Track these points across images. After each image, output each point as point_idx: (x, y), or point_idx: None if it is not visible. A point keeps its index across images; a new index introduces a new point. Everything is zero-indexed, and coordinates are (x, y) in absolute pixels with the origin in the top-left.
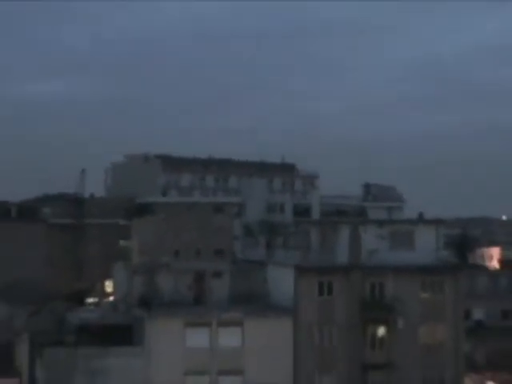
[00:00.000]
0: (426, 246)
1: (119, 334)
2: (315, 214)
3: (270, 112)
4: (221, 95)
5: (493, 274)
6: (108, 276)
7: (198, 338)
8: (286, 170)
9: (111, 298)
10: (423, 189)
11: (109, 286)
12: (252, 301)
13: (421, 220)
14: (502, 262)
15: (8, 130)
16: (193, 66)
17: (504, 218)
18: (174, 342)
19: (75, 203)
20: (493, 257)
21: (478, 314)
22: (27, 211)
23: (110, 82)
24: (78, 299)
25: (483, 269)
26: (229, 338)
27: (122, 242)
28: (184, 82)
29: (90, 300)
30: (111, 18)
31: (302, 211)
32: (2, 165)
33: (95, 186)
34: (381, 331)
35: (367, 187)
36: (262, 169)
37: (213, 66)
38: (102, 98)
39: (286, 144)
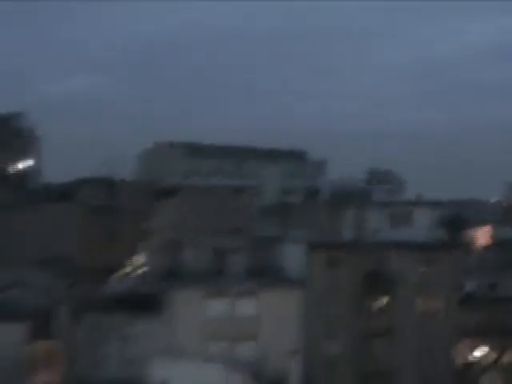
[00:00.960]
0: (423, 225)
1: (147, 303)
2: (324, 196)
3: (278, 110)
4: (230, 93)
5: (482, 251)
6: (137, 251)
7: (217, 307)
8: (298, 156)
9: (140, 271)
10: (424, 176)
11: (138, 260)
12: (266, 274)
13: (419, 202)
14: (490, 240)
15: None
16: (200, 66)
17: (492, 200)
18: (196, 310)
19: (108, 186)
20: (482, 235)
21: (469, 286)
22: (66, 193)
23: (124, 81)
24: (111, 272)
25: (474, 246)
26: (245, 307)
27: (149, 221)
28: (192, 80)
29: (121, 273)
30: (124, 19)
31: (312, 193)
32: None
33: (126, 171)
34: (382, 301)
35: (371, 172)
36: (276, 155)
37: (217, 67)
38: (119, 96)
39: (297, 136)
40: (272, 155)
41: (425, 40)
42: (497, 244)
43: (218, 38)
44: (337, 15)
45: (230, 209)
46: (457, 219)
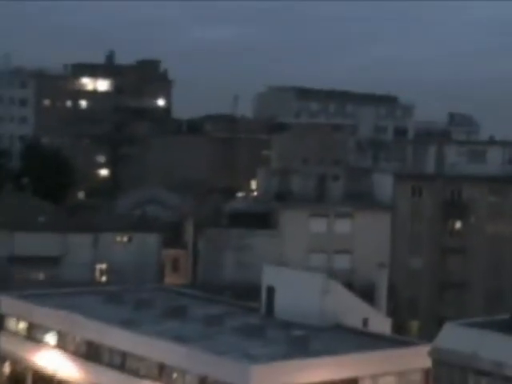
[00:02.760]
0: (495, 161)
1: (260, 220)
2: (410, 135)
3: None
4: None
5: None
6: (253, 177)
7: (319, 225)
8: (390, 100)
9: (255, 193)
10: (497, 119)
11: (253, 184)
12: (361, 199)
13: (492, 141)
14: None
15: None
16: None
17: None
18: (301, 227)
19: (230, 122)
20: None
21: None
22: (194, 127)
23: (259, 29)
24: (231, 193)
25: None
26: (342, 226)
27: (264, 152)
28: (311, 34)
29: (240, 194)
30: None
31: (400, 132)
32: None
33: (244, 109)
34: (457, 225)
35: (452, 116)
36: (371, 99)
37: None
38: (252, 42)
39: (388, 82)
40: (367, 99)
41: None
42: None
43: None
44: None
45: (332, 143)
46: None
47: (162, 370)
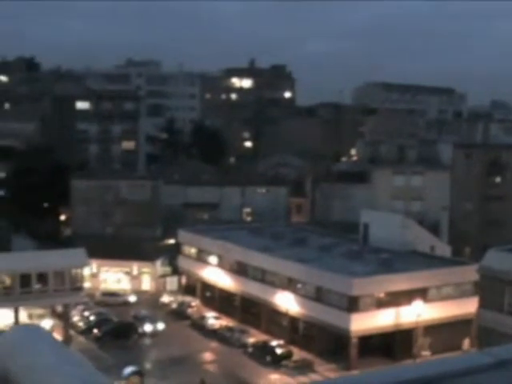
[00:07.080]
0: None
1: (358, 176)
2: (464, 116)
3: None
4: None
5: None
6: (353, 146)
7: (399, 180)
8: (450, 91)
9: (354, 158)
10: None
11: (353, 151)
12: (429, 161)
13: None
14: None
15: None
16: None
17: None
18: (387, 182)
19: (336, 107)
20: None
21: None
22: (311, 112)
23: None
24: (337, 158)
25: None
26: (416, 181)
27: (360, 129)
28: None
29: (343, 159)
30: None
31: (457, 114)
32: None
33: (346, 99)
34: (498, 179)
35: (493, 102)
36: (435, 90)
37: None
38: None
39: (449, 76)
40: (433, 90)
41: None
42: None
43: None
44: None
45: (408, 122)
46: None
47: (290, 281)
